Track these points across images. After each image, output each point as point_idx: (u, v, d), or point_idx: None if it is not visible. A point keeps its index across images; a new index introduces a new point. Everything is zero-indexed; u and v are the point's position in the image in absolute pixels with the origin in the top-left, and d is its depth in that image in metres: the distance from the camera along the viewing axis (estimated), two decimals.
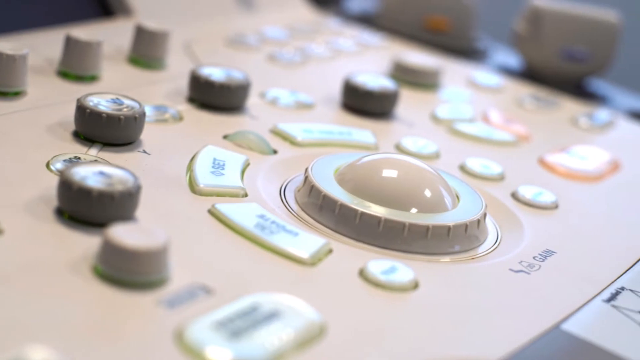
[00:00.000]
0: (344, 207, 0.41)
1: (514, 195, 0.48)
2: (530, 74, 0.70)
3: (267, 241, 0.39)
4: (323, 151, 0.48)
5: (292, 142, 0.49)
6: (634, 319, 0.39)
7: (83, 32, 0.51)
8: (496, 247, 0.43)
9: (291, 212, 0.42)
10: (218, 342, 0.32)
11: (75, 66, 0.50)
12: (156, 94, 0.51)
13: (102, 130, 0.44)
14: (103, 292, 0.34)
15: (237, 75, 0.52)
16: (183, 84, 0.52)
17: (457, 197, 0.44)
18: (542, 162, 0.54)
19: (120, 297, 0.33)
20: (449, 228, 0.41)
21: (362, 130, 0.52)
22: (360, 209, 0.41)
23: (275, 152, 0.48)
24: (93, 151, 0.43)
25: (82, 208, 0.37)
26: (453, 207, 0.43)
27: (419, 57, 0.63)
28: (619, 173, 0.54)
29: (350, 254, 0.40)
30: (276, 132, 0.50)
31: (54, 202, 0.38)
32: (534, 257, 0.42)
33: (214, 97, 0.51)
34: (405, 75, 0.61)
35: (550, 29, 0.69)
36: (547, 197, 0.48)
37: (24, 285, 0.33)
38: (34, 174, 0.40)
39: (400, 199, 0.42)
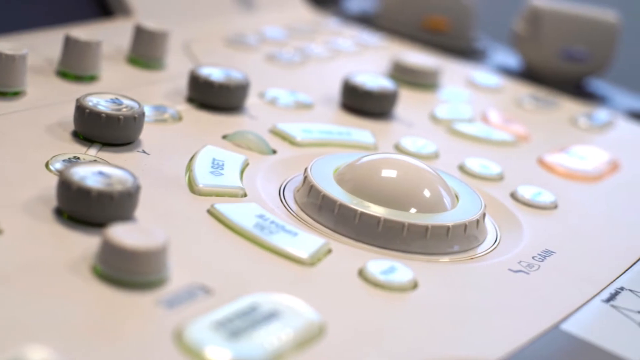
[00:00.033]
0: (343, 207, 0.41)
1: (513, 195, 0.48)
2: (530, 74, 0.70)
3: (266, 241, 0.39)
4: (322, 151, 0.48)
5: (292, 142, 0.49)
6: (634, 319, 0.39)
7: (82, 32, 0.51)
8: (495, 247, 0.43)
9: (290, 212, 0.42)
10: (217, 342, 0.32)
11: (75, 66, 0.50)
12: (155, 94, 0.51)
13: (102, 130, 0.44)
14: (102, 292, 0.33)
15: (236, 75, 0.52)
16: (182, 84, 0.52)
17: (457, 197, 0.44)
18: (542, 162, 0.54)
19: (120, 297, 0.33)
20: (448, 228, 0.41)
21: (361, 130, 0.52)
22: (360, 209, 0.41)
23: (274, 152, 0.48)
24: (92, 151, 0.43)
25: (81, 208, 0.37)
26: (452, 207, 0.43)
27: (418, 57, 0.63)
28: (618, 173, 0.54)
29: (350, 254, 0.40)
30: (275, 132, 0.50)
31: (53, 202, 0.38)
32: (533, 257, 0.42)
33: (213, 97, 0.51)
34: (404, 75, 0.61)
35: (550, 29, 0.69)
36: (546, 197, 0.48)
37: (24, 285, 0.33)
38: (33, 174, 0.40)
39: (399, 199, 0.42)
